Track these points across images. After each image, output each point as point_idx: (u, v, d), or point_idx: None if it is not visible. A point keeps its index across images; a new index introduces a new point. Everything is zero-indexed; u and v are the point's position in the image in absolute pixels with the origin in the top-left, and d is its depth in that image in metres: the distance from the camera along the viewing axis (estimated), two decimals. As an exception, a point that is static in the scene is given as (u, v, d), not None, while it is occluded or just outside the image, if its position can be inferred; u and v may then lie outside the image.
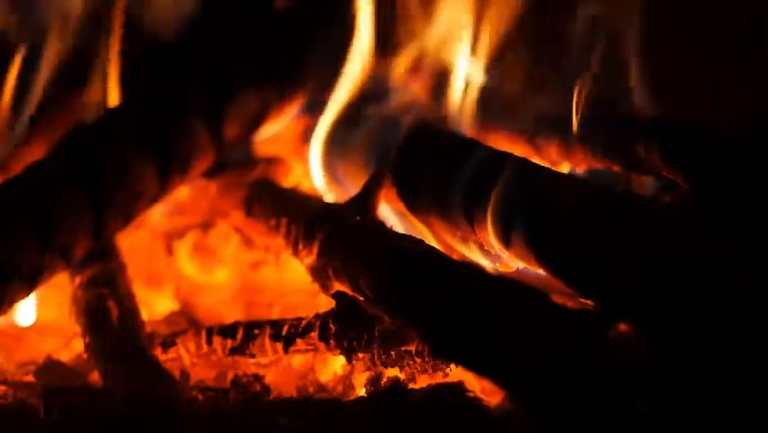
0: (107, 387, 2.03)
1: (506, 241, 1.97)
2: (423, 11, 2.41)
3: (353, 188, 2.35)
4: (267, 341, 2.09)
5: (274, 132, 2.60)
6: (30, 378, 2.16)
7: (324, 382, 2.08)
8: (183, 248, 2.53)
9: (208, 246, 2.53)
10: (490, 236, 2.00)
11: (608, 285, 1.76)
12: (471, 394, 1.86)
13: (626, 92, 2.18)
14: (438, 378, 1.94)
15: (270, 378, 2.09)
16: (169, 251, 2.54)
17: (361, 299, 2.00)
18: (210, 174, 2.50)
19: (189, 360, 2.16)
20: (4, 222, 2.12)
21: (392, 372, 1.97)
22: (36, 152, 2.41)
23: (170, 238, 2.54)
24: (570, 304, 1.85)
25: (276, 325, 2.10)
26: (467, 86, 2.41)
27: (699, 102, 2.23)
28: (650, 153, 2.00)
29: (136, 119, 2.35)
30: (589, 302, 1.83)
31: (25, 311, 2.33)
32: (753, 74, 2.40)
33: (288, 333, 2.07)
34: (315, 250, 2.15)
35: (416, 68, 2.45)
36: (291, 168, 2.62)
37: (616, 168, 2.14)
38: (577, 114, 2.14)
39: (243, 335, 2.12)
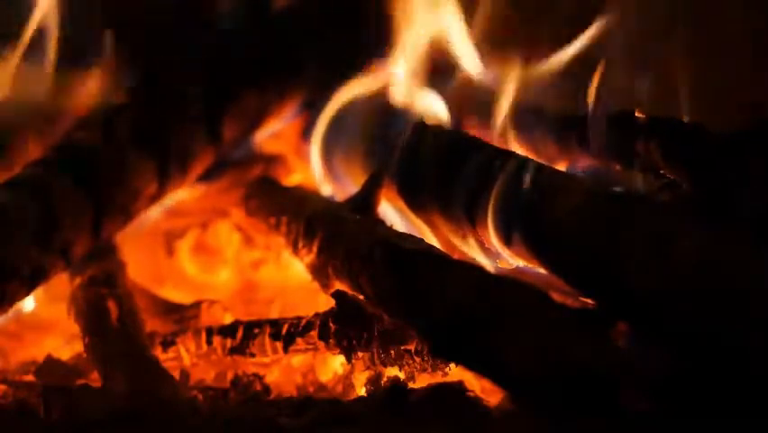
0: (107, 387, 2.03)
1: (506, 239, 1.97)
2: (422, 10, 2.41)
3: (354, 186, 2.34)
4: (267, 340, 2.09)
5: (274, 131, 2.60)
6: (30, 378, 2.16)
7: (324, 381, 2.08)
8: (184, 247, 2.53)
9: (209, 245, 2.54)
10: (491, 234, 2.00)
11: (609, 284, 1.75)
12: (471, 394, 1.86)
13: (627, 91, 2.18)
14: (438, 377, 1.94)
15: (270, 378, 2.09)
16: (170, 250, 2.54)
17: (361, 297, 2.00)
18: (210, 173, 2.50)
19: (189, 360, 2.16)
20: (4, 222, 2.12)
21: (392, 371, 1.97)
22: (36, 152, 2.40)
23: (170, 238, 2.54)
24: (570, 303, 1.85)
25: (276, 324, 2.10)
26: (468, 85, 2.40)
27: (699, 101, 2.22)
28: (650, 152, 2.00)
29: (136, 119, 2.35)
30: (589, 301, 1.83)
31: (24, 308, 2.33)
32: (753, 73, 2.40)
33: (287, 332, 2.08)
34: (315, 248, 2.15)
35: (417, 66, 2.44)
36: (291, 166, 2.62)
37: (616, 166, 2.13)
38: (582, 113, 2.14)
39: (243, 334, 2.12)
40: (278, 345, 2.08)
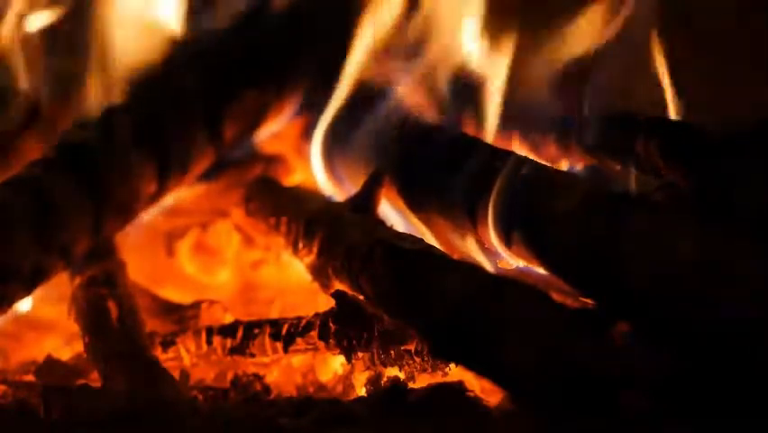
0: (107, 387, 2.03)
1: (506, 239, 1.97)
2: (423, 10, 2.41)
3: (354, 186, 2.34)
4: (267, 340, 2.09)
5: (274, 131, 2.60)
6: (30, 378, 2.16)
7: (324, 381, 2.08)
8: (184, 247, 2.53)
9: (209, 245, 2.53)
10: (491, 234, 2.00)
11: (609, 284, 1.75)
12: (471, 394, 1.86)
13: (627, 91, 2.18)
14: (438, 377, 1.94)
15: (270, 378, 2.09)
16: (170, 250, 2.53)
17: (361, 297, 2.00)
18: (210, 173, 2.50)
19: (189, 360, 2.16)
20: (4, 222, 2.12)
21: (392, 371, 1.97)
22: (36, 151, 2.41)
23: (170, 238, 2.54)
24: (570, 303, 1.85)
25: (276, 324, 2.10)
26: (467, 84, 2.40)
27: (700, 101, 2.23)
28: (650, 152, 2.00)
29: (136, 119, 2.35)
30: (589, 301, 1.83)
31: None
32: (753, 73, 2.40)
33: (287, 332, 2.07)
34: (315, 249, 2.15)
35: (417, 66, 2.44)
36: (292, 166, 2.62)
37: (616, 166, 2.13)
38: (582, 113, 2.14)
39: (243, 334, 2.12)
40: (279, 345, 2.08)
